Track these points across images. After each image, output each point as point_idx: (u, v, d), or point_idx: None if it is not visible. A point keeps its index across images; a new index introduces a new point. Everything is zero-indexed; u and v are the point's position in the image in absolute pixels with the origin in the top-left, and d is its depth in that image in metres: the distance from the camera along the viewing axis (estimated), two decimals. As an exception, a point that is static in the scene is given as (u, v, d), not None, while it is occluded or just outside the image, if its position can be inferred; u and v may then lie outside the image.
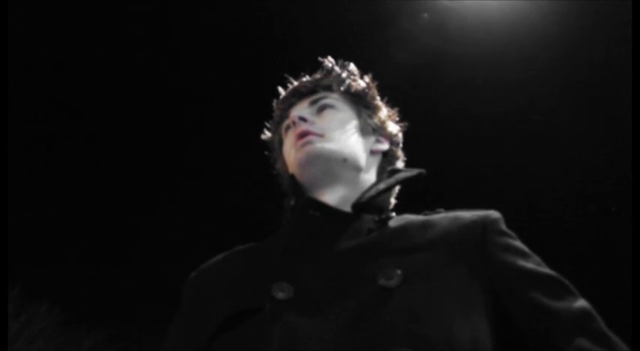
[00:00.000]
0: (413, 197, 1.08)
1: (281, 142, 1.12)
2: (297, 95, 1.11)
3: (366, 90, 1.13)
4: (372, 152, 1.07)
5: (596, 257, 7.51)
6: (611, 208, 6.56)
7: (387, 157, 1.10)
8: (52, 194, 10.54)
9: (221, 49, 7.10)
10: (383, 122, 1.13)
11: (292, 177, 1.03)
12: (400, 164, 1.13)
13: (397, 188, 1.07)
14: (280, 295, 0.80)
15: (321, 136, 1.01)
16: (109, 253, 11.23)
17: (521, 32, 5.68)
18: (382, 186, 0.99)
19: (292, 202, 1.03)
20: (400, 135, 1.15)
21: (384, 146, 1.10)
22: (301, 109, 1.08)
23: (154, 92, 8.27)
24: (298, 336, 0.75)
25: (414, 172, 1.03)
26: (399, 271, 0.80)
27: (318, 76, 1.13)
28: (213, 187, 9.47)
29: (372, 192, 0.97)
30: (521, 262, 0.85)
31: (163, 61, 7.65)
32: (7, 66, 2.39)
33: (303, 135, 1.01)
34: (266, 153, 1.19)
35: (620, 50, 5.02)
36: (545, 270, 0.86)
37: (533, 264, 0.86)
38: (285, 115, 1.11)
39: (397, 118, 1.16)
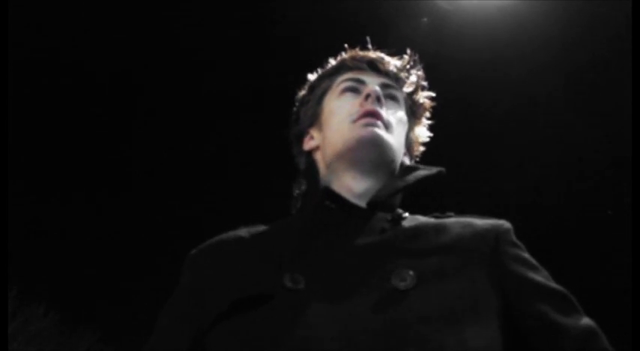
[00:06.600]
0: (414, 195, 1.07)
1: (325, 91, 1.10)
2: (371, 66, 1.09)
3: (425, 106, 1.14)
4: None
5: (595, 256, 7.51)
6: (608, 211, 6.56)
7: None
8: (51, 195, 10.54)
9: (224, 49, 7.10)
10: (417, 138, 1.14)
11: (309, 155, 1.02)
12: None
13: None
14: (292, 285, 0.79)
15: (387, 127, 1.00)
16: (107, 255, 11.23)
17: (522, 35, 5.69)
18: (401, 184, 0.97)
19: (304, 187, 1.02)
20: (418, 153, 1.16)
21: (407, 163, 1.10)
22: (374, 85, 1.05)
23: (153, 93, 8.28)
24: (309, 329, 0.73)
25: (433, 170, 1.01)
26: (412, 273, 0.78)
27: (398, 62, 1.12)
28: (212, 188, 9.47)
29: (391, 190, 0.95)
30: (532, 275, 0.86)
31: (174, 58, 7.65)
32: (7, 65, 2.39)
33: (374, 115, 0.99)
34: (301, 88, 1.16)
35: (620, 50, 5.03)
36: (554, 285, 0.86)
37: (542, 278, 0.86)
38: (345, 70, 1.09)
39: (427, 139, 1.17)
